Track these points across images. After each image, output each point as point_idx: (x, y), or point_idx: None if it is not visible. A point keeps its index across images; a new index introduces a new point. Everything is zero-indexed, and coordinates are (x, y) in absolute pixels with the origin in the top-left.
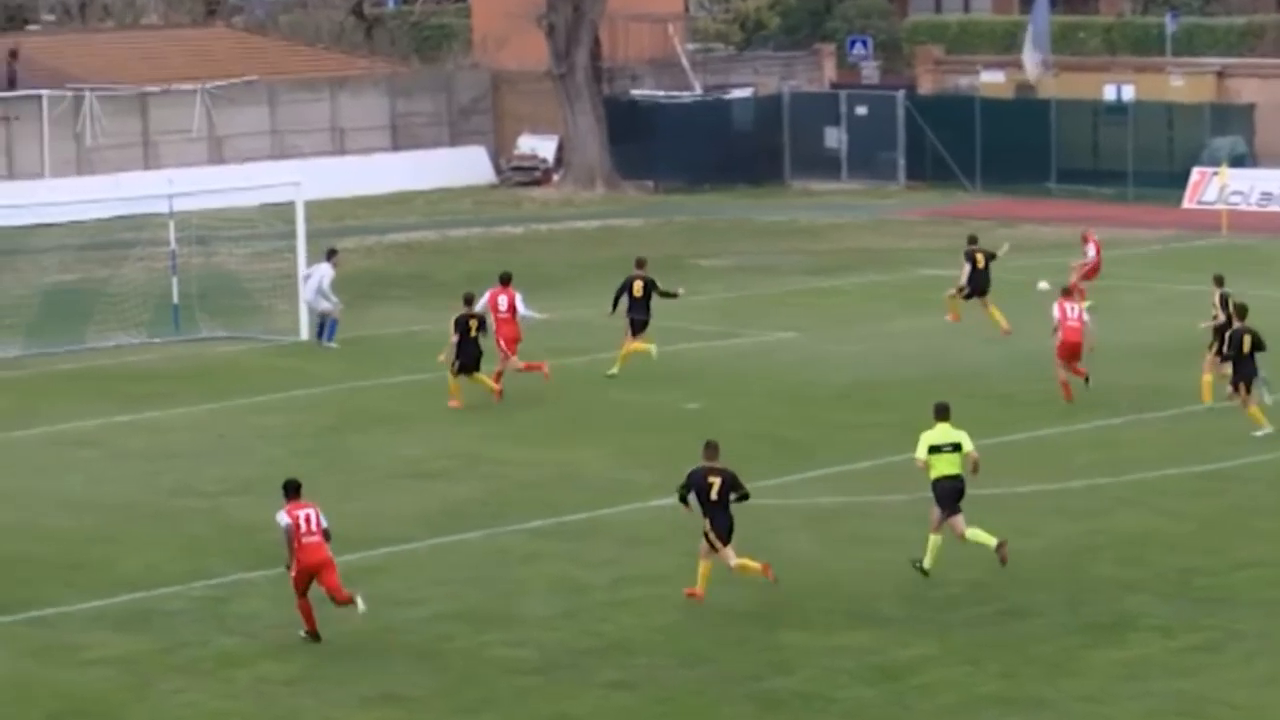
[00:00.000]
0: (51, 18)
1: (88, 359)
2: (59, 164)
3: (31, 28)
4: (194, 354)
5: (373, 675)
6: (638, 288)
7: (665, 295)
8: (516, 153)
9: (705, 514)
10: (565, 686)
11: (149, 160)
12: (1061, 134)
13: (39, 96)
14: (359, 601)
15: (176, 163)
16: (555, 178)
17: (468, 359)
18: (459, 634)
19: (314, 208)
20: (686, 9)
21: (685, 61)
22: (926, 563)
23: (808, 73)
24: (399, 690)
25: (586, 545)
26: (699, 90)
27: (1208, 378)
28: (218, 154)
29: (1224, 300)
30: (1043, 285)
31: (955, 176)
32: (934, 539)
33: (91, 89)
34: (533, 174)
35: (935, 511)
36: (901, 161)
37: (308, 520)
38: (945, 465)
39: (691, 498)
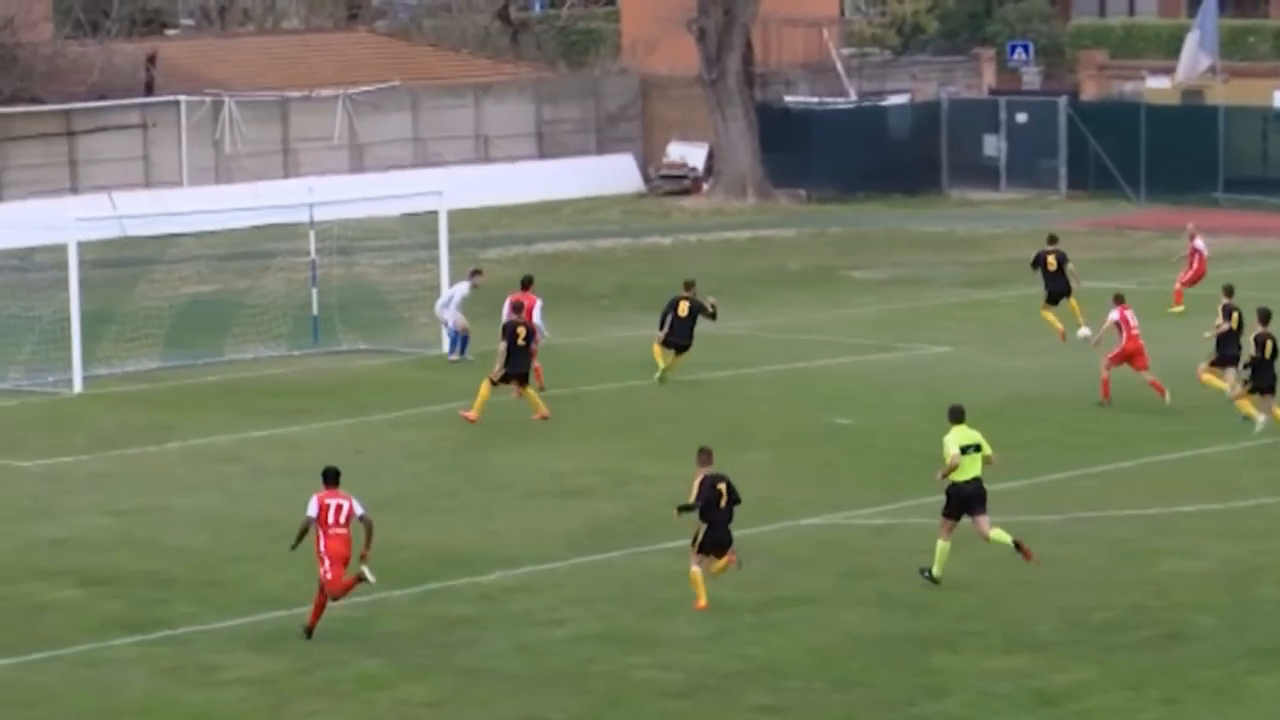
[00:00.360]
0: (190, 22)
1: (225, 372)
2: (197, 172)
3: (170, 32)
4: (333, 367)
5: (515, 698)
6: (683, 308)
7: (707, 316)
8: (665, 161)
9: (706, 522)
10: (712, 711)
11: (289, 168)
12: (1230, 141)
13: (177, 102)
14: (367, 572)
15: (317, 171)
16: (705, 186)
17: (515, 368)
18: (603, 656)
19: (457, 217)
20: (842, 12)
21: (840, 67)
22: (935, 571)
23: (966, 78)
24: (542, 713)
25: None
26: (854, 96)
27: (1239, 396)
28: (359, 162)
29: (1227, 311)
30: (1083, 333)
31: (1119, 186)
32: (942, 546)
33: (231, 95)
34: (682, 183)
35: (945, 520)
36: (1063, 170)
37: (337, 510)
38: (968, 468)
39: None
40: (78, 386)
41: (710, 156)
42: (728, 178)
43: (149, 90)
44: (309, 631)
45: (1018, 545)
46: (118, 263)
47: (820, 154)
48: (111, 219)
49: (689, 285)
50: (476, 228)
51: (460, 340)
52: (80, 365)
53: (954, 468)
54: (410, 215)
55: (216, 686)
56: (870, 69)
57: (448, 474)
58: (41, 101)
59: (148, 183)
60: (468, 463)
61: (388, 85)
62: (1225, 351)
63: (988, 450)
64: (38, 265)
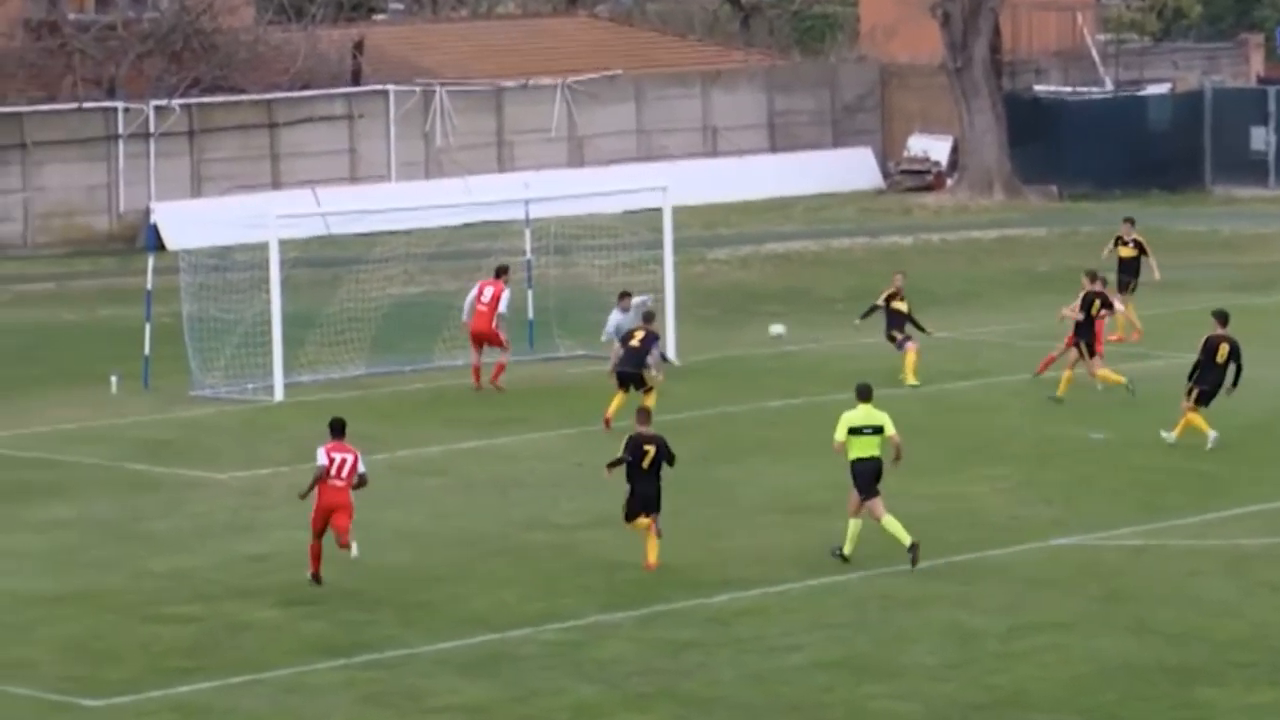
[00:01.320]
0: (400, 6)
1: (434, 379)
2: (405, 166)
3: (378, 17)
4: (550, 375)
5: None
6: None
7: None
8: (906, 154)
9: (631, 482)
10: None
11: (503, 162)
12: None
13: (385, 92)
14: (353, 547)
15: (533, 165)
16: (949, 182)
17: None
18: (838, 684)
19: (682, 214)
20: None
21: (1095, 54)
22: (846, 549)
23: (1232, 66)
24: None
25: (979, 588)
26: (1110, 86)
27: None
28: (578, 155)
29: (1087, 300)
30: (776, 329)
31: None
32: (853, 524)
33: (442, 84)
34: (924, 178)
35: (854, 495)
36: None
37: (341, 465)
38: (863, 447)
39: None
40: (279, 394)
41: (954, 150)
42: (973, 173)
43: (355, 79)
44: (316, 578)
45: (913, 548)
46: (321, 262)
47: (1073, 148)
48: (315, 216)
49: (648, 318)
50: (703, 225)
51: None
52: (281, 372)
53: (839, 452)
54: (632, 212)
55: (423, 714)
56: (1128, 56)
57: (672, 489)
58: (242, 91)
59: (353, 177)
60: (693, 477)
61: (609, 73)
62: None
63: (891, 431)
64: (237, 265)
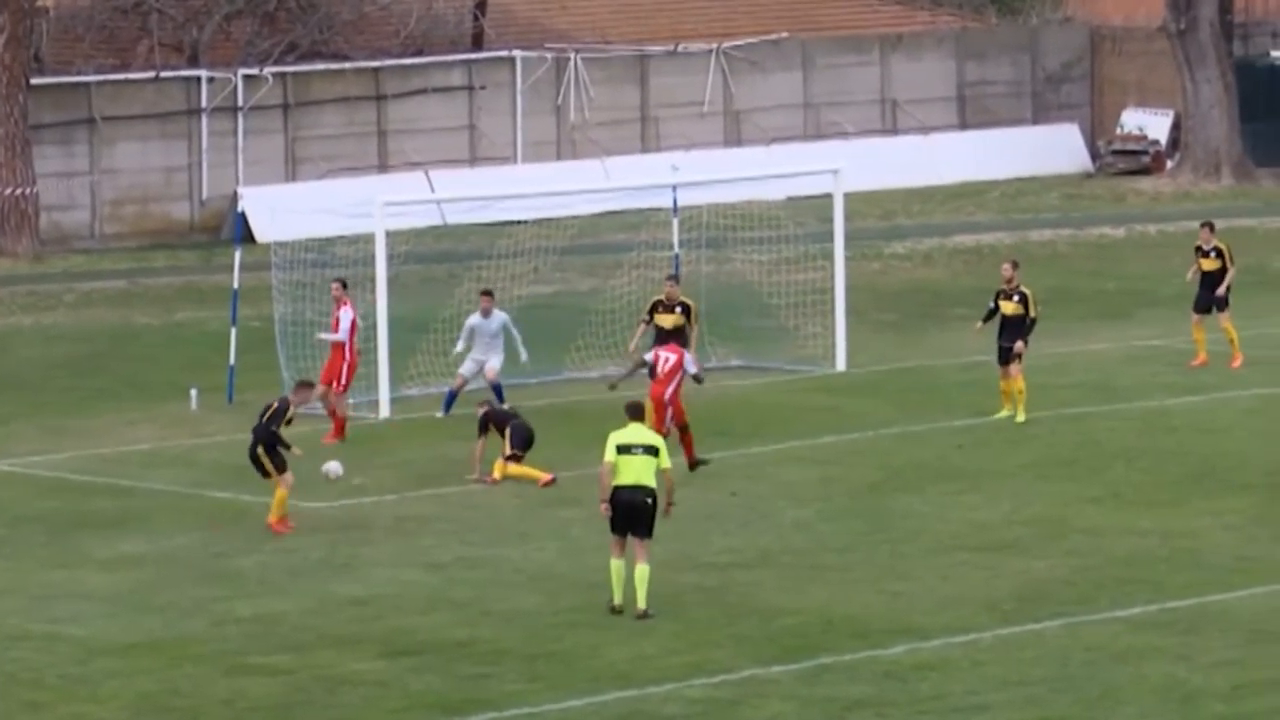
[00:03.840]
0: None
1: (565, 393)
2: (534, 146)
3: None
4: (700, 389)
5: None
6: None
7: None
8: (1119, 132)
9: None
10: None
11: (647, 141)
12: None
13: (512, 59)
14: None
15: (682, 144)
16: (1169, 164)
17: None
18: None
19: (856, 201)
20: None
21: None
22: (615, 599)
23: None
24: None
25: (1200, 640)
26: None
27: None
28: (735, 133)
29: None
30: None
31: None
32: (615, 564)
33: (577, 50)
34: (1140, 159)
35: (614, 535)
36: None
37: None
38: (633, 470)
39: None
40: (384, 411)
41: (1175, 127)
42: (1198, 153)
43: (477, 44)
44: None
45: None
46: (435, 257)
47: None
48: (428, 203)
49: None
50: (880, 214)
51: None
52: (388, 385)
53: (603, 477)
54: (798, 198)
55: None
56: None
57: (842, 522)
58: (345, 58)
59: (473, 159)
60: (868, 508)
61: (772, 37)
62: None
63: (666, 462)
64: (337, 260)
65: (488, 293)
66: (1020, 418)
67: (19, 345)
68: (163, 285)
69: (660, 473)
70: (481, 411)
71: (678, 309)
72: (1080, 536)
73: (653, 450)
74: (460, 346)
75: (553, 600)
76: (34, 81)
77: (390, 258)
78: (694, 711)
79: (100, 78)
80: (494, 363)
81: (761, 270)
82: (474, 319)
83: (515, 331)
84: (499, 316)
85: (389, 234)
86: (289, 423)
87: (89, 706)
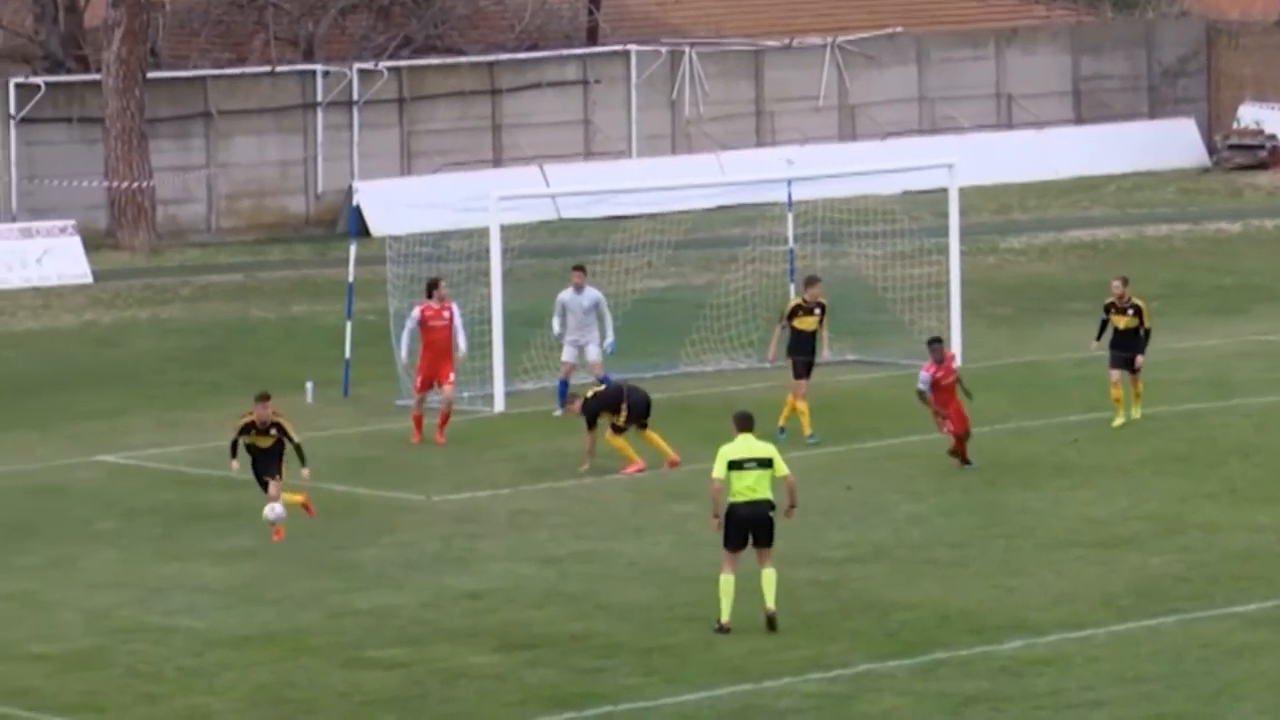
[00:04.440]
0: None
1: (680, 387)
2: (649, 140)
3: None
4: (815, 383)
5: None
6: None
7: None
8: (1236, 127)
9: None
10: None
11: (762, 135)
12: None
13: (626, 53)
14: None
15: (797, 138)
16: None
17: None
18: None
19: (971, 196)
20: None
21: None
22: (723, 617)
23: None
24: None
25: None
26: None
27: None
28: (849, 127)
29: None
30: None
31: None
32: (725, 580)
33: (692, 44)
34: (1257, 154)
35: (726, 550)
36: None
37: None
38: (749, 485)
39: None
40: (499, 405)
41: None
42: None
43: (591, 39)
44: None
45: (770, 620)
46: (550, 251)
47: None
48: (543, 197)
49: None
50: (995, 209)
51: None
52: (503, 379)
53: (715, 494)
54: (913, 193)
55: None
56: None
57: (956, 517)
58: (460, 53)
59: (587, 153)
60: (982, 503)
61: (887, 31)
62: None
63: (783, 470)
64: (452, 254)
65: (580, 268)
66: (1136, 414)
67: (135, 338)
68: (278, 279)
69: (780, 481)
70: (579, 404)
71: (817, 310)
72: (1196, 532)
73: (766, 463)
74: (555, 324)
75: (667, 594)
76: (150, 76)
77: (505, 252)
78: (809, 706)
79: (216, 72)
80: (593, 354)
81: (876, 265)
82: (566, 294)
83: (608, 315)
84: (591, 293)
85: (503, 228)
86: (257, 433)
87: (205, 699)
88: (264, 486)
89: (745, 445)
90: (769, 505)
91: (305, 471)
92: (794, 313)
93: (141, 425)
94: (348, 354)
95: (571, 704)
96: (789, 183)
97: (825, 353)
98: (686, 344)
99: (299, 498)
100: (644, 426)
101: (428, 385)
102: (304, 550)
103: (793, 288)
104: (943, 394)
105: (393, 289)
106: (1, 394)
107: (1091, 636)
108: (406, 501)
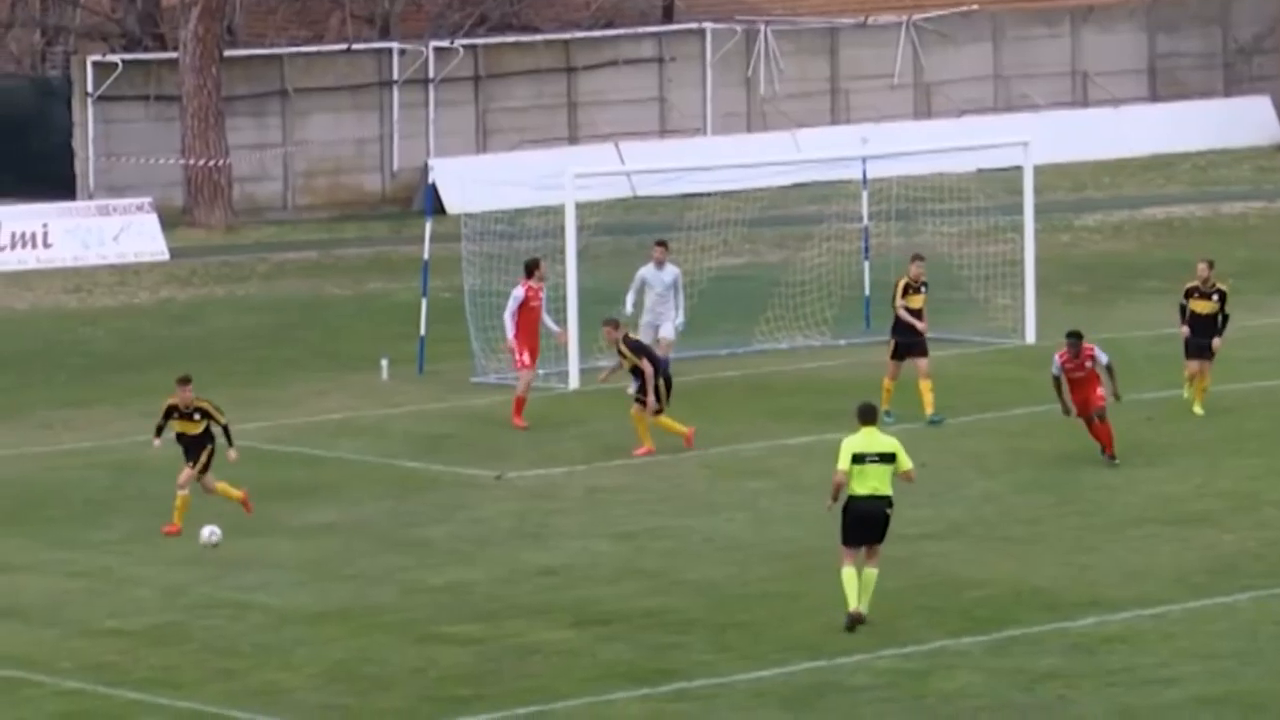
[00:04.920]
0: None
1: (754, 365)
2: (724, 118)
3: None
4: (888, 360)
5: None
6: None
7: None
8: None
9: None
10: None
11: (837, 113)
12: None
13: (701, 31)
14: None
15: (872, 116)
16: None
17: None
18: None
19: (1046, 174)
20: None
21: None
22: (850, 605)
23: None
24: None
25: None
26: None
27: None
28: (924, 105)
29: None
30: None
31: None
32: (848, 572)
33: (767, 22)
34: None
35: (845, 547)
36: None
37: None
38: (868, 479)
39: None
40: (574, 382)
41: None
42: None
43: (667, 16)
44: None
45: (858, 620)
46: (625, 229)
47: None
48: (618, 175)
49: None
50: (1070, 187)
51: None
52: (578, 356)
53: (836, 487)
54: (988, 171)
55: None
56: None
57: (1031, 494)
58: (535, 30)
59: (662, 130)
60: (1056, 481)
61: (962, 9)
62: None
63: (906, 464)
64: (527, 231)
65: (662, 243)
66: (1199, 410)
67: (212, 315)
68: (353, 256)
69: (902, 475)
70: (623, 335)
71: (922, 289)
72: (1271, 510)
73: (889, 458)
74: (630, 301)
75: (742, 571)
76: (227, 54)
77: (580, 229)
78: (883, 682)
79: (293, 50)
80: (668, 332)
81: (951, 242)
82: (646, 270)
83: (682, 293)
84: (672, 270)
85: (579, 206)
86: (181, 418)
87: (281, 674)
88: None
89: (869, 439)
90: (888, 503)
91: (232, 453)
92: (905, 291)
93: (218, 402)
94: (423, 331)
95: (646, 680)
96: (864, 160)
97: (923, 325)
98: (761, 321)
99: (238, 494)
100: (658, 412)
101: (533, 362)
102: (378, 527)
103: (867, 265)
104: (1072, 386)
105: (468, 266)
106: (79, 371)
107: (1165, 613)
108: (480, 478)
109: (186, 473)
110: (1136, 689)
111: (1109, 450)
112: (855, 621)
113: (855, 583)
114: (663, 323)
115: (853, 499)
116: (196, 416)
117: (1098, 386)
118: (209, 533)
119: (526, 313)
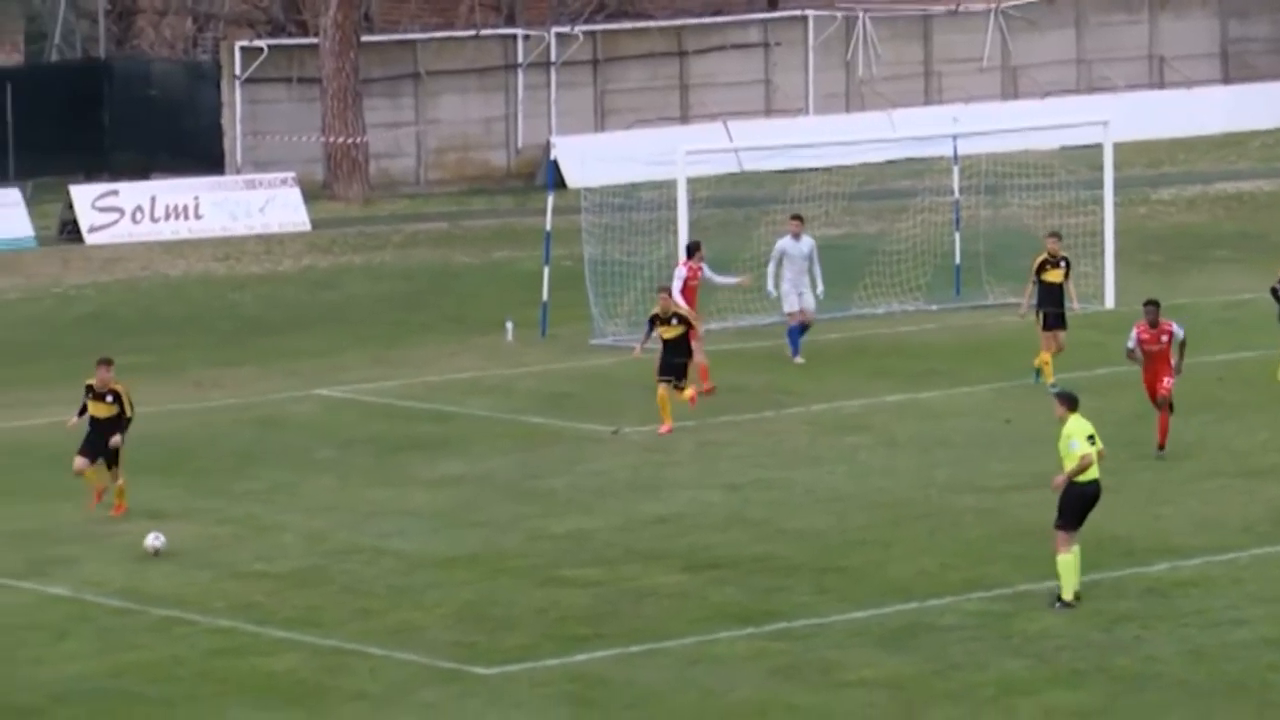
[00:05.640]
0: None
1: (853, 328)
2: (825, 98)
3: None
4: (978, 324)
5: (1182, 709)
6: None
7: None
8: None
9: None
10: None
11: (930, 94)
12: None
13: (804, 18)
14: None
15: (963, 97)
16: None
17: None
18: None
19: (1125, 151)
20: None
21: None
22: (1065, 595)
23: None
24: None
25: None
26: None
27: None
28: (1011, 87)
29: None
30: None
31: None
32: (1065, 560)
33: (866, 10)
34: None
35: (1064, 530)
36: None
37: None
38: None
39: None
40: None
41: None
42: None
43: (772, 4)
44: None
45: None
46: (733, 201)
47: None
48: (727, 151)
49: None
50: (1147, 163)
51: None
52: None
53: (1085, 467)
54: (1070, 148)
55: (836, 688)
56: None
57: (1110, 448)
58: (649, 17)
59: (768, 110)
60: (1133, 436)
61: None
62: None
63: (1099, 444)
64: (642, 204)
65: (798, 217)
66: None
67: (350, 282)
68: (480, 227)
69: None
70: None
71: (1062, 263)
72: None
73: (1092, 439)
74: (771, 282)
75: (841, 520)
76: (364, 39)
77: (691, 203)
78: (970, 624)
79: (425, 35)
80: (809, 302)
81: (1036, 215)
82: (785, 242)
83: (818, 262)
84: (808, 240)
85: (690, 180)
86: (95, 398)
87: (414, 614)
88: (90, 460)
89: (1087, 424)
90: (1100, 487)
91: (116, 438)
92: (1041, 267)
93: (355, 362)
94: (545, 297)
95: (752, 620)
96: (955, 139)
97: (1075, 304)
98: (859, 288)
99: (118, 483)
100: (681, 388)
101: None
102: (505, 478)
103: (957, 236)
104: (1146, 360)
105: (587, 237)
106: (228, 333)
107: (1234, 560)
108: (598, 433)
109: (80, 461)
110: (1207, 630)
111: (1161, 442)
112: (1067, 605)
113: (1076, 571)
114: (804, 291)
115: (1079, 484)
116: (109, 399)
117: (1169, 367)
118: (153, 538)
119: (687, 291)
